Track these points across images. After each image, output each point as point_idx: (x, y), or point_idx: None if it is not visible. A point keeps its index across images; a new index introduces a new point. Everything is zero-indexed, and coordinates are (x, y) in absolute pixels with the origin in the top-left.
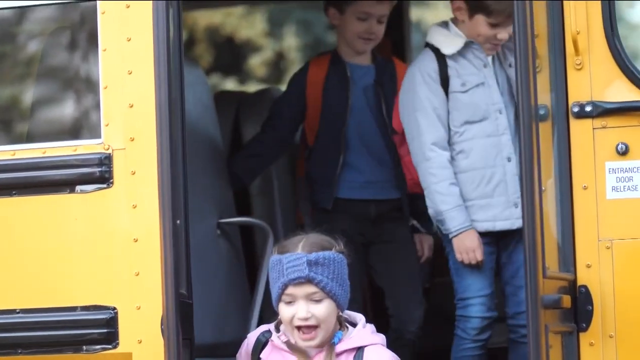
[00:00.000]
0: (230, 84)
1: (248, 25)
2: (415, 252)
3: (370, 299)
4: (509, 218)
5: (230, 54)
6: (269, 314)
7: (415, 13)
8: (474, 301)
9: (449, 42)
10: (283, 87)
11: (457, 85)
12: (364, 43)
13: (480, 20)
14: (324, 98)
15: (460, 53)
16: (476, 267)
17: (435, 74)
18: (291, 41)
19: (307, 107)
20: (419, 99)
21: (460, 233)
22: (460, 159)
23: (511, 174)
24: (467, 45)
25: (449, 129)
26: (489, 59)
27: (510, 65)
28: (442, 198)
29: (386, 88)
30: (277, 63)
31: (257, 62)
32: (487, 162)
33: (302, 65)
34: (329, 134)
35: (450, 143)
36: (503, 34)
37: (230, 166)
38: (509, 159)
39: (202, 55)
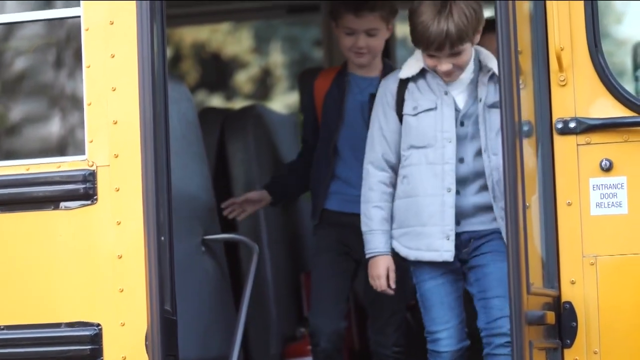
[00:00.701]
0: (217, 101)
1: (234, 42)
2: (402, 270)
3: (355, 318)
4: (438, 249)
5: (216, 71)
6: (253, 330)
7: (401, 29)
8: (442, 334)
9: (410, 65)
10: (269, 104)
11: (409, 108)
12: (356, 56)
13: (421, 51)
14: (323, 108)
15: (424, 77)
16: (439, 299)
17: (392, 95)
18: (277, 57)
19: (317, 115)
20: (372, 116)
21: (372, 257)
22: (401, 184)
23: (449, 205)
24: (427, 71)
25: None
26: (482, 91)
27: (480, 100)
28: (363, 219)
29: None
30: (264, 79)
31: (243, 79)
32: (425, 191)
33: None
34: (323, 145)
35: (400, 167)
36: (443, 66)
37: (281, 183)
38: (449, 190)
39: (188, 71)
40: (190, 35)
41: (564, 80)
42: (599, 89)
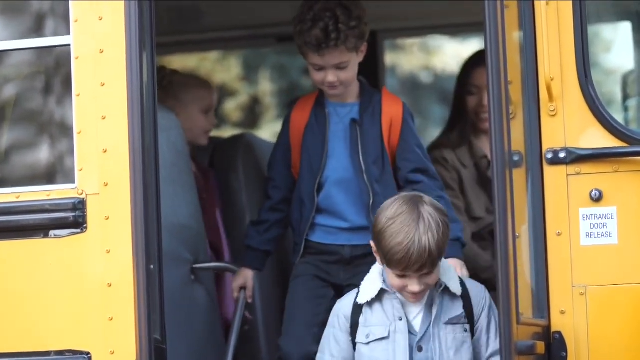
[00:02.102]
0: None
1: (223, 70)
2: None
3: None
4: None
5: None
6: (244, 358)
7: (391, 57)
8: None
9: (369, 286)
10: (258, 132)
11: (361, 336)
12: (330, 89)
13: (388, 269)
14: (303, 140)
15: (379, 298)
16: None
17: (346, 318)
18: (266, 86)
19: (291, 148)
20: (322, 340)
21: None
22: None
23: None
24: (385, 291)
25: None
26: (435, 308)
27: (432, 320)
28: None
29: (365, 127)
30: (253, 108)
31: (232, 107)
32: None
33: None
34: (306, 182)
35: None
36: (414, 287)
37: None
38: None
39: None
40: (179, 63)
41: (554, 110)
42: (589, 119)
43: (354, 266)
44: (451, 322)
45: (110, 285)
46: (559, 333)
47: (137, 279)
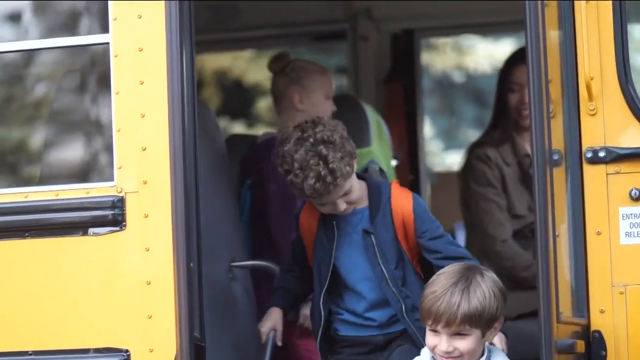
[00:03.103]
0: (239, 128)
1: (256, 69)
2: None
3: None
4: None
5: (238, 98)
6: (280, 356)
7: (424, 57)
8: None
9: None
10: None
11: None
12: (342, 213)
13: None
14: (314, 255)
15: None
16: None
17: None
18: None
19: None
20: None
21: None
22: None
23: None
24: None
25: None
26: None
27: None
28: None
29: (379, 234)
30: None
31: (265, 106)
32: None
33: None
34: (317, 289)
35: None
36: (442, 345)
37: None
38: None
39: (210, 98)
40: (213, 62)
41: (593, 109)
42: (628, 118)
43: (390, 348)
44: None
45: (149, 283)
46: (599, 332)
47: (177, 276)
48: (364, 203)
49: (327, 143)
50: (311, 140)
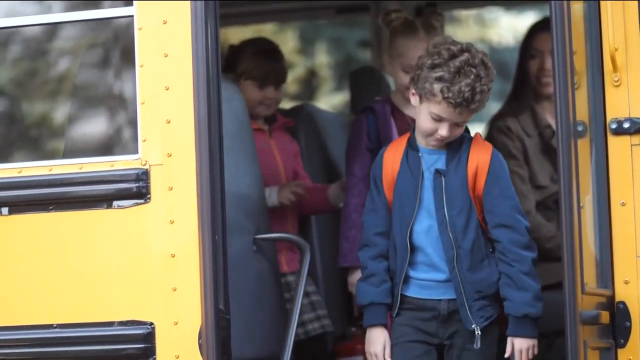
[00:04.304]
0: None
1: (279, 42)
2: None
3: None
4: None
5: None
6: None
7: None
8: None
9: None
10: (316, 104)
11: None
12: (436, 141)
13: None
14: (396, 185)
15: None
16: None
17: None
18: (323, 58)
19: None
20: None
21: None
22: None
23: None
24: None
25: None
26: None
27: None
28: None
29: (449, 177)
30: (309, 80)
31: (288, 79)
32: None
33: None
34: (399, 227)
35: None
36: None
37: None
38: None
39: None
40: (236, 35)
41: (618, 80)
42: None
43: (451, 323)
44: None
45: (174, 256)
46: (623, 303)
47: (202, 249)
48: (445, 145)
49: (487, 69)
50: (479, 56)
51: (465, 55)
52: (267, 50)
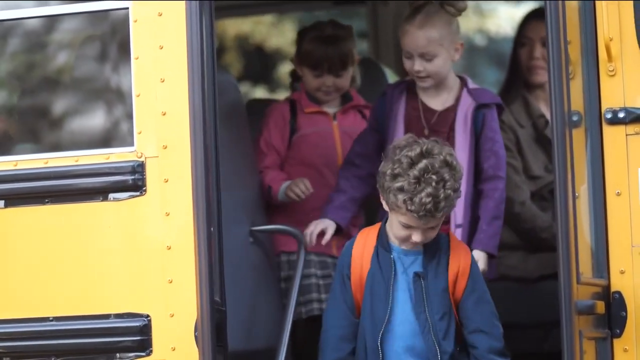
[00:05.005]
0: (260, 92)
1: (278, 34)
2: None
3: None
4: None
5: (259, 63)
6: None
7: None
8: None
9: None
10: None
11: None
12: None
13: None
14: (366, 284)
15: None
16: None
17: None
18: None
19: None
20: None
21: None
22: None
23: None
24: None
25: None
26: None
27: None
28: None
29: (429, 280)
30: None
31: (286, 71)
32: None
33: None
34: (370, 327)
35: None
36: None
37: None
38: None
39: (231, 63)
40: (234, 27)
41: (613, 70)
42: None
43: None
44: None
45: (170, 248)
46: (619, 293)
47: (198, 241)
48: (420, 245)
49: (451, 169)
50: (440, 158)
51: (424, 162)
52: (323, 37)
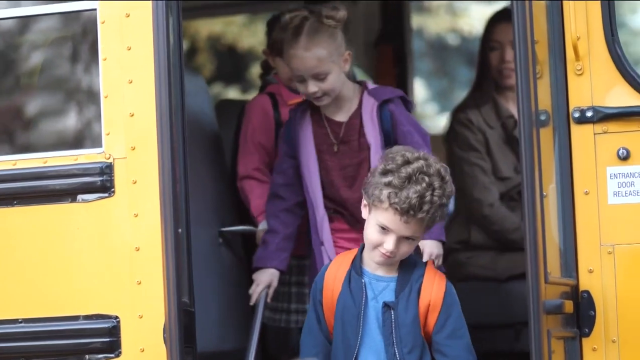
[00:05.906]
0: (232, 93)
1: (249, 34)
2: None
3: None
4: None
5: (231, 63)
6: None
7: (417, 20)
8: None
9: None
10: None
11: None
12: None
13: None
14: (337, 308)
15: None
16: None
17: None
18: None
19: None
20: None
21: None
22: None
23: None
24: None
25: None
26: None
27: None
28: None
29: (399, 312)
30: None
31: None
32: None
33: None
34: (342, 354)
35: None
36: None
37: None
38: None
39: (203, 64)
40: (206, 28)
41: (580, 69)
42: (615, 78)
43: None
44: None
45: (138, 249)
46: (587, 292)
47: (165, 242)
48: (395, 272)
49: (443, 182)
50: (436, 167)
51: (420, 163)
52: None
